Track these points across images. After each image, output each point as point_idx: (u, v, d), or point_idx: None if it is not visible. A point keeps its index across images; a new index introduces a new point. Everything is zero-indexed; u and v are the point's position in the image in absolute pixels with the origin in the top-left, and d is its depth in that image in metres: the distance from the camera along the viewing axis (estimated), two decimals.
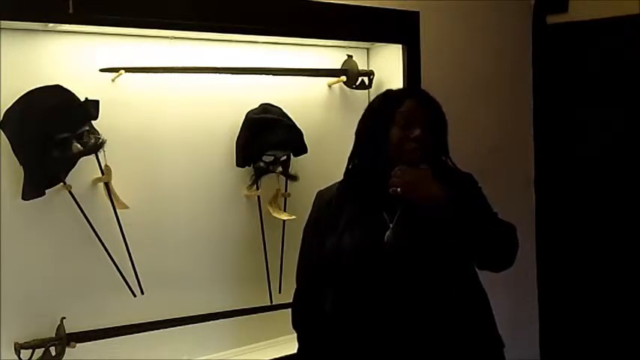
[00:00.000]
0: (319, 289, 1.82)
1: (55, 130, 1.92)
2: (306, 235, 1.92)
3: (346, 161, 1.87)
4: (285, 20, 2.28)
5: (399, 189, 1.67)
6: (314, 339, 1.86)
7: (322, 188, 1.93)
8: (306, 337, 1.90)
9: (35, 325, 1.99)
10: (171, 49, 2.20)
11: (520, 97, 3.20)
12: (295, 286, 1.94)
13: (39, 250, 2.01)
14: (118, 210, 2.09)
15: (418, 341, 1.70)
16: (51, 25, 1.95)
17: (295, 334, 1.94)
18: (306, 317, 1.89)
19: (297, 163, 2.42)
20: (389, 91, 1.89)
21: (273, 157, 2.33)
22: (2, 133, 1.93)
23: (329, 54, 2.58)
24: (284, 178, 2.40)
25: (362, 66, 2.62)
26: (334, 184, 1.89)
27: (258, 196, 2.38)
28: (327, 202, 1.86)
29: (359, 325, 1.75)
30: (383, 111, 1.80)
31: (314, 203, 1.92)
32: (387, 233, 1.74)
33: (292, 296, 1.95)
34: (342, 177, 1.88)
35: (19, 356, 1.95)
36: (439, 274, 1.72)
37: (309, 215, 1.93)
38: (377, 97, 1.88)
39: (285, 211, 2.41)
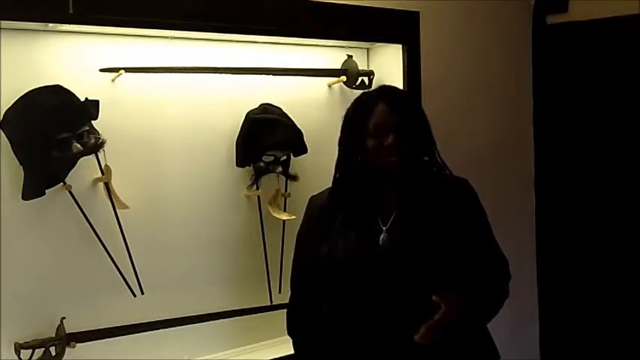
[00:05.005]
0: (314, 294, 1.81)
1: (55, 130, 1.92)
2: (300, 241, 1.91)
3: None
4: (285, 20, 2.28)
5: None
6: (310, 345, 1.85)
7: (315, 194, 1.93)
8: (302, 343, 1.89)
9: (35, 325, 1.99)
10: (170, 49, 2.20)
11: (520, 97, 3.21)
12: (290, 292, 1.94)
13: (39, 250, 2.01)
14: (118, 210, 2.09)
15: (412, 345, 1.69)
16: (51, 25, 1.95)
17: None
18: (301, 323, 1.87)
19: (297, 163, 2.42)
20: (361, 97, 1.85)
21: (273, 157, 2.33)
22: (2, 133, 1.93)
23: (329, 54, 2.58)
24: (284, 178, 2.40)
25: (362, 66, 2.62)
26: (327, 190, 1.88)
27: (258, 196, 2.38)
28: (320, 208, 1.85)
29: (354, 329, 1.74)
30: (356, 121, 1.78)
31: (307, 209, 1.91)
32: (382, 237, 1.74)
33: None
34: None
35: (19, 356, 1.95)
36: (434, 277, 1.71)
37: (303, 221, 1.92)
38: (351, 104, 1.84)
39: (285, 211, 2.41)
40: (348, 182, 1.81)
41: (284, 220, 2.39)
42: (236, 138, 2.34)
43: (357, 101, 1.84)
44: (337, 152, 1.85)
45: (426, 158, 1.81)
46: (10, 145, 1.93)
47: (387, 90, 1.86)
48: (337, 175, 1.85)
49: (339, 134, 1.84)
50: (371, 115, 1.75)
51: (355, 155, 1.78)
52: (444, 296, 1.62)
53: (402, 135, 1.72)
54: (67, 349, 2.01)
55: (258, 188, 2.36)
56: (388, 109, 1.74)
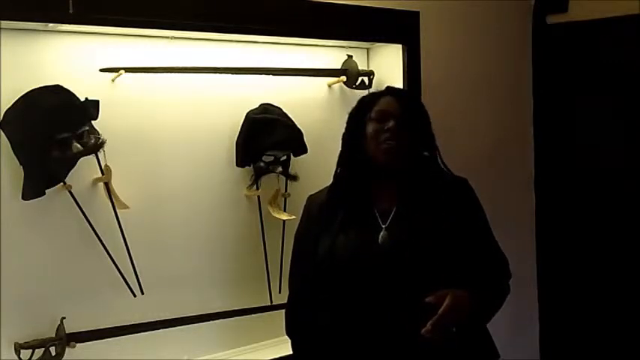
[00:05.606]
0: (313, 294, 1.81)
1: (55, 130, 1.92)
2: (299, 240, 1.91)
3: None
4: (285, 20, 2.28)
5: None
6: (309, 345, 1.85)
7: (313, 193, 1.93)
8: (301, 343, 1.89)
9: (35, 325, 1.99)
10: (170, 49, 2.20)
11: (520, 97, 3.21)
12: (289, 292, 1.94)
13: (39, 250, 2.01)
14: (118, 210, 2.09)
15: (412, 344, 1.69)
16: (51, 25, 1.95)
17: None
18: (300, 323, 1.87)
19: (297, 163, 2.42)
20: (366, 95, 1.89)
21: (273, 157, 2.33)
22: (2, 133, 1.93)
23: (329, 54, 2.58)
24: (284, 178, 2.40)
25: (362, 66, 2.62)
26: (325, 188, 1.89)
27: (258, 196, 2.38)
28: (319, 207, 1.85)
29: (354, 328, 1.74)
30: (360, 114, 1.81)
31: (305, 208, 1.91)
32: (381, 235, 1.74)
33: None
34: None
35: (19, 356, 1.95)
36: (433, 275, 1.71)
37: (301, 220, 1.92)
38: (357, 102, 1.87)
39: (285, 211, 2.41)
40: (349, 176, 1.81)
41: (284, 220, 2.39)
42: (236, 138, 2.34)
43: (363, 97, 1.87)
44: (340, 147, 1.86)
45: (426, 154, 1.82)
46: (10, 145, 1.93)
47: (393, 87, 1.91)
48: (338, 170, 1.85)
49: (343, 130, 1.85)
50: (375, 105, 1.78)
51: (357, 145, 1.79)
52: (446, 291, 1.63)
53: (404, 123, 1.73)
54: (67, 349, 2.01)
55: (258, 188, 2.36)
56: (393, 100, 1.78)
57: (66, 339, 2.01)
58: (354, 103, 1.87)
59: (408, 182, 1.78)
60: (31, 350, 1.96)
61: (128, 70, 2.09)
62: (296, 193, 2.39)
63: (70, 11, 1.87)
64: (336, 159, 1.87)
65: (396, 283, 1.70)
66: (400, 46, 2.57)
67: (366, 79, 2.61)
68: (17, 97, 1.92)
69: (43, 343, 1.98)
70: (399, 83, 2.54)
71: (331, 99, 2.60)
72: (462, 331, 1.66)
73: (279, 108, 2.38)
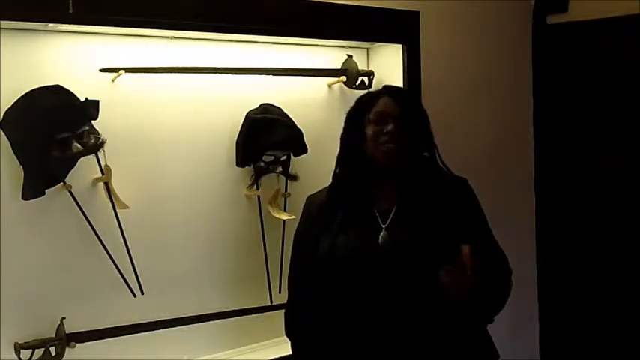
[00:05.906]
0: (313, 294, 1.81)
1: (55, 130, 1.92)
2: (298, 240, 1.91)
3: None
4: (285, 20, 2.28)
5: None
6: (308, 345, 1.85)
7: (312, 193, 1.93)
8: (300, 343, 1.89)
9: (35, 325, 1.99)
10: (170, 49, 2.20)
11: (520, 97, 3.21)
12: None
13: (39, 250, 2.01)
14: (118, 210, 2.09)
15: (411, 344, 1.69)
16: (51, 25, 1.95)
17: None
18: (299, 323, 1.87)
19: (297, 163, 2.42)
20: (364, 94, 1.89)
21: (273, 157, 2.33)
22: (2, 133, 1.93)
23: (329, 54, 2.58)
24: (284, 178, 2.40)
25: (362, 66, 2.62)
26: (324, 189, 1.89)
27: (258, 196, 2.38)
28: (318, 207, 1.85)
29: (353, 328, 1.74)
30: (358, 114, 1.81)
31: (304, 208, 1.91)
32: (381, 235, 1.74)
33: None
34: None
35: (19, 356, 1.95)
36: (432, 277, 1.71)
37: (300, 220, 1.92)
38: (354, 102, 1.87)
39: (285, 211, 2.41)
40: (349, 176, 1.81)
41: (284, 220, 2.39)
42: (236, 138, 2.34)
43: (360, 97, 1.87)
44: (339, 148, 1.85)
45: (426, 154, 1.82)
46: (10, 145, 1.93)
47: (390, 87, 1.90)
48: (337, 170, 1.85)
49: (342, 131, 1.85)
50: (373, 106, 1.78)
51: (356, 146, 1.79)
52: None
53: (403, 125, 1.73)
54: (67, 349, 2.01)
55: (258, 188, 2.36)
56: (391, 101, 1.77)
57: (66, 339, 2.01)
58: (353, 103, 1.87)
59: (408, 182, 1.78)
60: (31, 350, 1.96)
61: (128, 70, 2.09)
62: (296, 193, 2.39)
63: (70, 11, 1.87)
64: (335, 159, 1.87)
65: (396, 283, 1.70)
66: (400, 46, 2.57)
67: (366, 79, 2.60)
68: (17, 97, 1.92)
69: (43, 343, 1.98)
70: (399, 83, 2.53)
71: (331, 99, 2.60)
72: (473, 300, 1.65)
73: (279, 108, 2.38)
